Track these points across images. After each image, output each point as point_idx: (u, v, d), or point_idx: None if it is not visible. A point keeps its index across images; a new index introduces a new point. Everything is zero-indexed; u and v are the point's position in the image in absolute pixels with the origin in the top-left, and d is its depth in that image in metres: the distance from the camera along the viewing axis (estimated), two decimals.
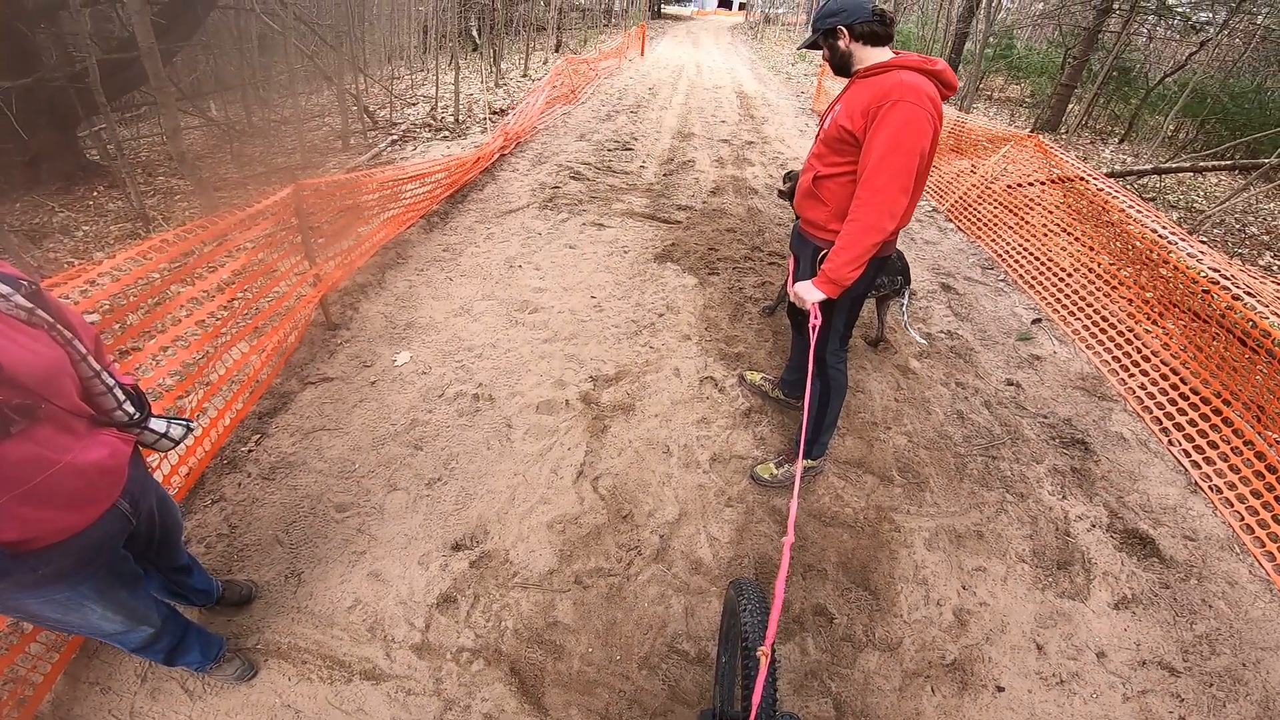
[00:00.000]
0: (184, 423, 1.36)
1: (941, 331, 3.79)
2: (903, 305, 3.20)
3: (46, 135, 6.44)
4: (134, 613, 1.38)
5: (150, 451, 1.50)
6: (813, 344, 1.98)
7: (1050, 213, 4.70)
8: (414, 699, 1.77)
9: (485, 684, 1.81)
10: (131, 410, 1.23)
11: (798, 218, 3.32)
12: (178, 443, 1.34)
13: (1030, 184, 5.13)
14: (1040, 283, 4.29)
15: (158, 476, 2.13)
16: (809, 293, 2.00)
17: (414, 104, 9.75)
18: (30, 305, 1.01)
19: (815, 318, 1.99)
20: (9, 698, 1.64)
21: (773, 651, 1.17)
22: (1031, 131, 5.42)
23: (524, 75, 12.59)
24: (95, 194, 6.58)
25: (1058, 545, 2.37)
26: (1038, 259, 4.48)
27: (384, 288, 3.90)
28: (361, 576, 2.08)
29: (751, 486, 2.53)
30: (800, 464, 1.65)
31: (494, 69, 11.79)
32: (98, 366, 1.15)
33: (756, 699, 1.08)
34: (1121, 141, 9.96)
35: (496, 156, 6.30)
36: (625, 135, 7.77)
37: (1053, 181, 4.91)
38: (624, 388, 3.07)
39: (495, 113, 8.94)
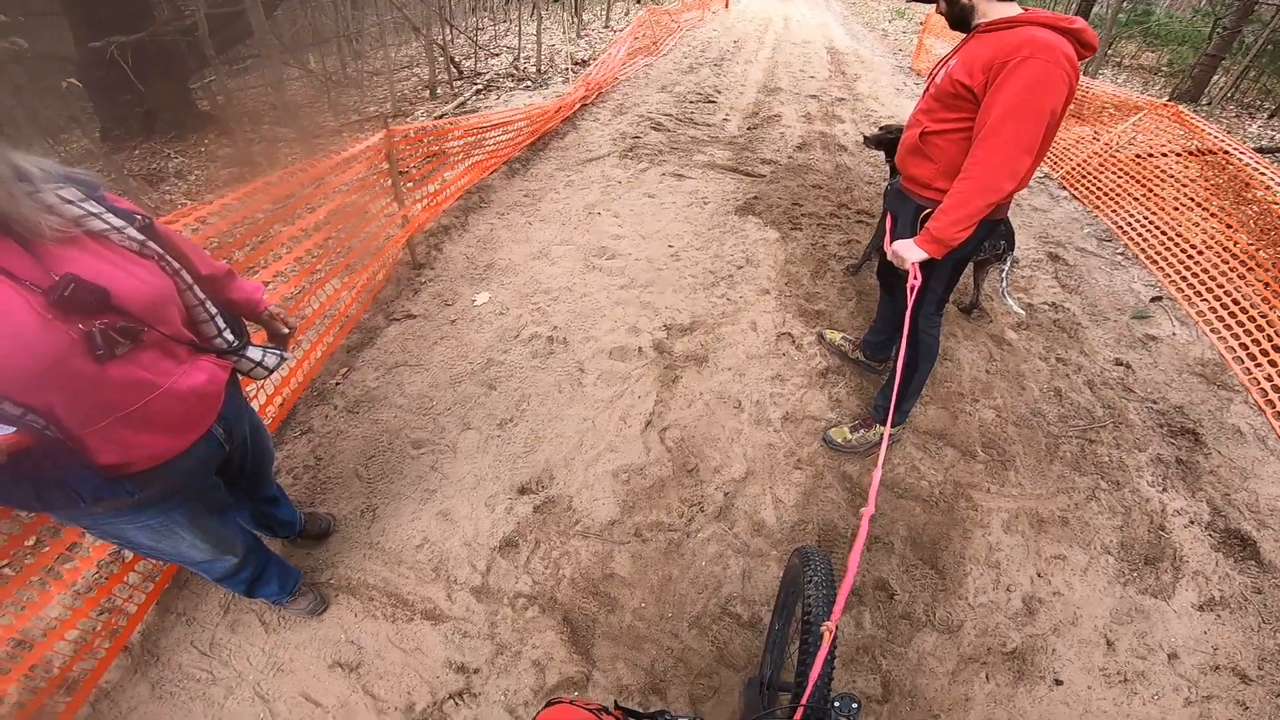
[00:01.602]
0: (278, 353, 1.38)
1: (1045, 303, 3.50)
2: (1003, 272, 2.97)
3: (162, 87, 6.90)
4: (221, 541, 1.42)
5: (247, 381, 1.54)
6: (910, 305, 1.86)
7: (1183, 186, 4.22)
8: (468, 641, 1.81)
9: (537, 631, 1.84)
10: (231, 338, 1.25)
11: (895, 175, 3.19)
12: (271, 371, 1.36)
13: (1163, 155, 4.61)
14: (1165, 259, 3.86)
15: (254, 407, 2.26)
16: (910, 251, 1.88)
17: (497, 54, 9.79)
18: (142, 238, 1.05)
19: (914, 278, 1.88)
20: (102, 629, 1.74)
21: (836, 628, 1.12)
22: (1168, 101, 4.83)
23: (605, 26, 12.34)
24: (206, 141, 7.06)
25: (1149, 539, 2.19)
26: (1164, 234, 4.03)
27: (466, 230, 3.99)
28: (431, 515, 2.14)
29: (823, 450, 2.46)
30: (888, 430, 1.57)
31: (576, 20, 11.60)
32: (202, 295, 1.18)
33: (814, 675, 1.03)
34: (1271, 117, 8.68)
35: (578, 106, 6.24)
36: (708, 88, 7.50)
37: (1190, 154, 4.41)
38: (698, 338, 3.03)
39: (577, 63, 8.84)
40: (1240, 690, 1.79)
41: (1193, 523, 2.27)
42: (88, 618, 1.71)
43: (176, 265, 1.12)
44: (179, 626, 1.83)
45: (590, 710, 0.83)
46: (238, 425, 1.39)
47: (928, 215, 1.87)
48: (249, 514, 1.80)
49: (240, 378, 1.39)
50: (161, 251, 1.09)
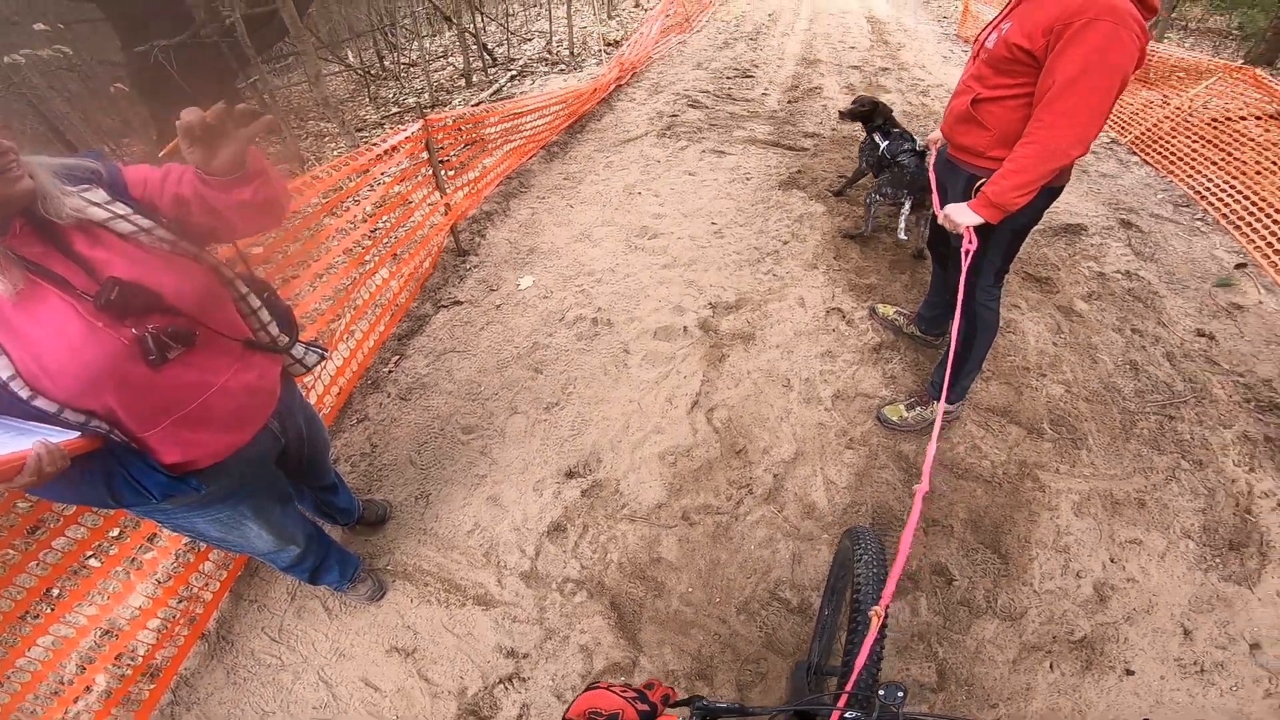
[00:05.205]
0: (319, 352, 1.40)
1: (1118, 271, 3.29)
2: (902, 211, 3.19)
3: (209, 89, 7.11)
4: (284, 532, 1.46)
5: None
6: (964, 270, 1.78)
7: (1265, 150, 3.96)
8: (518, 626, 1.83)
9: (585, 616, 1.84)
10: (275, 332, 1.25)
11: (871, 137, 3.48)
12: (310, 369, 1.38)
13: (1241, 118, 4.36)
14: (1248, 224, 3.61)
15: (311, 398, 2.27)
16: (963, 215, 1.82)
17: (529, 40, 9.78)
18: (173, 237, 1.02)
19: (969, 242, 1.81)
20: (181, 616, 1.80)
21: (886, 612, 1.07)
22: (1243, 64, 4.53)
23: (636, 5, 12.15)
24: (257, 140, 7.26)
25: (1234, 523, 2.06)
26: (1248, 198, 3.77)
27: (509, 215, 4.01)
28: (481, 500, 2.16)
29: (876, 428, 2.38)
30: (942, 406, 1.51)
31: (606, 0, 11.46)
32: (244, 290, 1.18)
33: (860, 663, 0.99)
34: None
35: (613, 87, 6.18)
36: (745, 63, 7.31)
37: (1270, 117, 4.18)
38: (744, 316, 2.98)
39: (609, 44, 8.74)
40: None
41: None
42: (168, 606, 1.79)
43: (215, 260, 1.11)
44: (251, 613, 1.89)
45: (626, 698, 0.83)
46: (292, 418, 1.41)
47: (982, 184, 1.81)
48: (310, 502, 1.84)
49: None
50: (196, 250, 1.06)
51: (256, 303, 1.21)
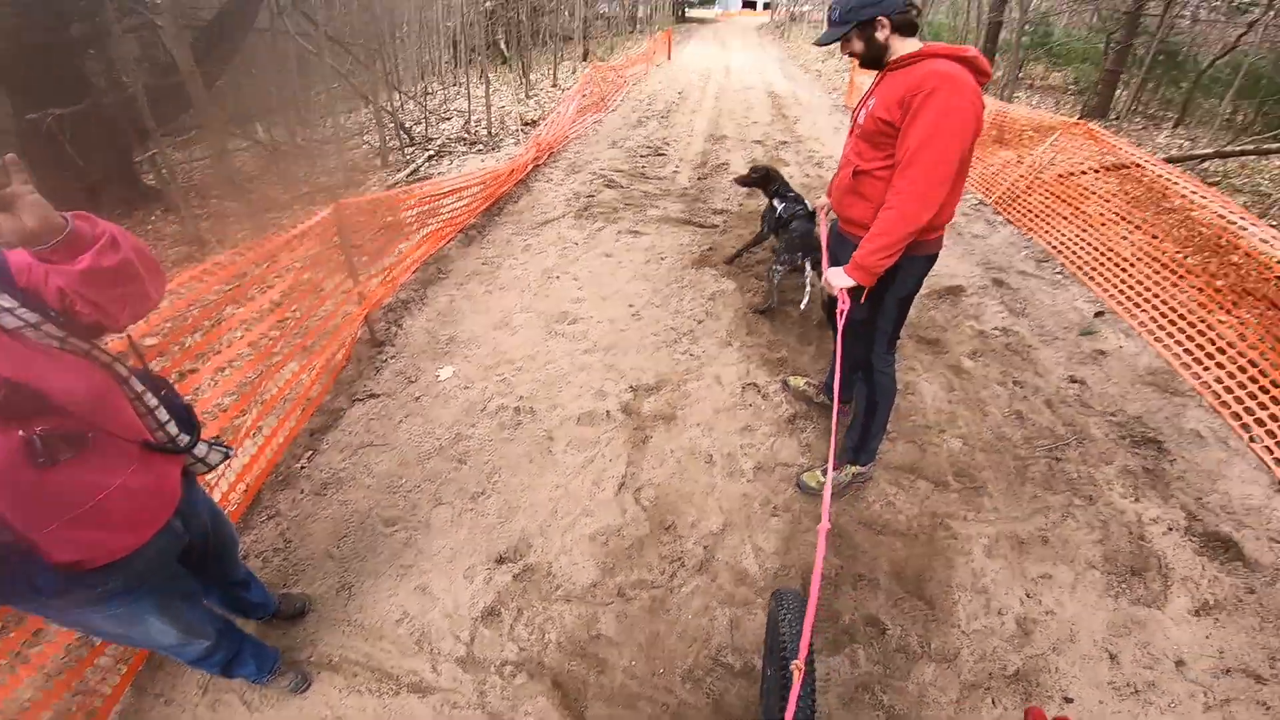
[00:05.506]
0: (224, 450, 1.37)
1: (995, 329, 3.63)
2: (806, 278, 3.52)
3: (104, 162, 6.67)
4: (190, 626, 1.40)
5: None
6: (839, 329, 1.93)
7: (1107, 201, 4.48)
8: (459, 712, 1.77)
9: (528, 697, 1.80)
10: (174, 432, 1.22)
11: (771, 201, 3.74)
12: (213, 468, 1.36)
13: (1083, 172, 4.90)
14: (1101, 274, 4.07)
15: (216, 495, 2.18)
16: (838, 279, 1.97)
17: (448, 118, 9.97)
18: (62, 334, 0.97)
19: (843, 303, 1.96)
20: (78, 710, 1.69)
21: (807, 665, 1.10)
22: (1080, 119, 5.18)
23: (553, 85, 12.74)
24: (153, 218, 6.86)
25: (1131, 550, 2.23)
26: (1097, 249, 4.25)
27: (426, 303, 3.96)
28: (409, 590, 2.10)
29: (797, 495, 2.47)
30: (832, 454, 1.61)
31: (524, 80, 11.97)
32: (140, 388, 1.14)
33: (789, 716, 1.02)
34: (1176, 126, 9.39)
35: (530, 167, 6.35)
36: (657, 140, 7.76)
37: (1107, 169, 4.71)
38: (665, 397, 3.05)
39: (527, 124, 9.06)
40: (1258, 691, 1.80)
41: (1171, 529, 2.31)
42: (61, 699, 1.68)
43: (108, 357, 1.06)
44: (157, 708, 1.78)
45: None
46: (195, 517, 1.37)
47: None
48: (220, 597, 1.76)
49: None
50: (87, 346, 1.02)
51: (153, 401, 1.16)
